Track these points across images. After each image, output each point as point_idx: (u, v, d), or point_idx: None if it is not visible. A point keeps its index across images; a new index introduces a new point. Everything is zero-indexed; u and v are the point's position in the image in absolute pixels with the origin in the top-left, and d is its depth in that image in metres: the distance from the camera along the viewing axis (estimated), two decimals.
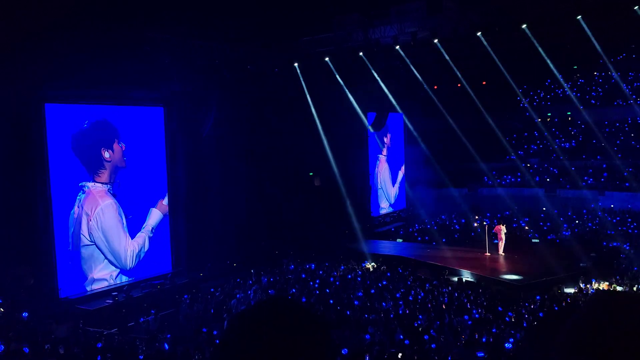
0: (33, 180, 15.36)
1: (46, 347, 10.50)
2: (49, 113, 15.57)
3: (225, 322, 12.86)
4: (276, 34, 21.39)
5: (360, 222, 27.42)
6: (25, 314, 12.33)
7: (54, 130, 15.74)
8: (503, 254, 21.66)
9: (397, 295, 16.05)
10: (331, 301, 15.15)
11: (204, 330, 12.39)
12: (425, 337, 11.60)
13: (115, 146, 17.53)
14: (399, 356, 10.54)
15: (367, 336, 11.93)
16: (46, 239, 15.38)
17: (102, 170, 17.15)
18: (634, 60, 30.88)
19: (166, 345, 11.04)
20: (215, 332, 12.12)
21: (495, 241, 22.29)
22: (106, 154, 17.25)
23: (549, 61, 25.80)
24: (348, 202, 26.16)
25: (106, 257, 17.10)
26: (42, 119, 15.34)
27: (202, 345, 11.20)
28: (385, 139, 30.92)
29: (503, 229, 22.01)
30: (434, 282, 17.92)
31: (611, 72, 30.90)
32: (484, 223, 23.58)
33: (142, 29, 16.72)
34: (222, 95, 20.33)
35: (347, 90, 25.84)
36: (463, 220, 27.67)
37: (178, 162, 19.59)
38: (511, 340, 11.42)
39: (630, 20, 21.47)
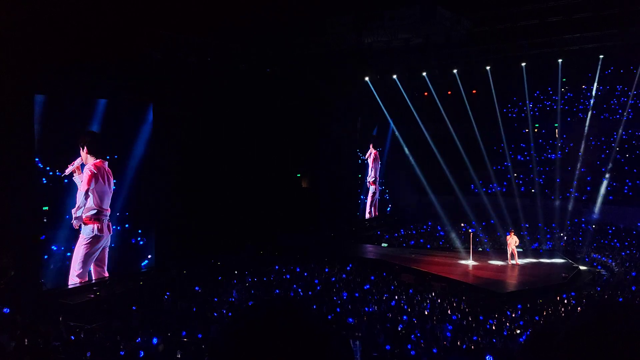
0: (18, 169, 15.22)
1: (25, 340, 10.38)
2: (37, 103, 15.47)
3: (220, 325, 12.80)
4: (268, 34, 21.34)
5: (346, 225, 27.49)
6: (6, 310, 12.16)
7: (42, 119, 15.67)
8: (515, 263, 21.62)
9: (379, 299, 16.10)
10: (314, 306, 15.13)
11: (185, 332, 12.28)
12: (409, 346, 11.61)
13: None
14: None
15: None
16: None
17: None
18: (621, 74, 31.27)
19: (155, 340, 10.95)
20: (199, 335, 12.05)
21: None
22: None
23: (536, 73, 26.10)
24: (335, 205, 26.23)
25: None
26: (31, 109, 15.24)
27: (185, 343, 11.15)
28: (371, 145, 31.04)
29: (509, 240, 21.79)
30: (418, 288, 18.01)
31: (599, 86, 31.29)
32: (469, 231, 23.74)
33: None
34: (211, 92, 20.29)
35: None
36: (448, 228, 27.80)
37: (164, 157, 19.37)
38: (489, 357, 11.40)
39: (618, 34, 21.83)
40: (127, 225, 18.48)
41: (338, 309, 14.98)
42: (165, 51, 18.48)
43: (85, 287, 15.96)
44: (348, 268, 20.47)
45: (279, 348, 0.99)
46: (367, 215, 30.63)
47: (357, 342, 9.68)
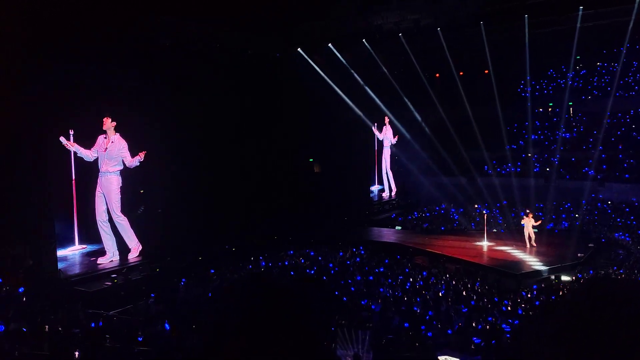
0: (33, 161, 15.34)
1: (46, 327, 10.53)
2: None
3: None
4: (274, 18, 21.21)
5: (360, 208, 27.49)
6: (21, 289, 12.36)
7: None
8: (533, 245, 20.97)
9: (394, 283, 16.12)
10: (332, 286, 15.21)
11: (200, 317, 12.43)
12: (422, 327, 11.63)
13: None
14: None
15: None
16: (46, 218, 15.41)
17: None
18: (636, 50, 30.74)
19: (167, 326, 11.08)
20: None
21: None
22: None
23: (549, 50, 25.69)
24: (348, 189, 26.24)
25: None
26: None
27: (200, 328, 11.25)
28: (386, 127, 30.92)
29: (526, 222, 21.08)
30: (432, 270, 17.99)
31: (614, 63, 30.78)
32: (483, 212, 23.64)
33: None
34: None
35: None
36: (462, 209, 27.71)
37: (177, 140, 19.40)
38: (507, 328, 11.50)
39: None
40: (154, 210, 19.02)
41: (352, 288, 15.06)
42: (173, 38, 18.50)
43: (101, 275, 16.13)
44: (362, 252, 20.51)
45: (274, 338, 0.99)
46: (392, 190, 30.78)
47: (367, 333, 9.52)
